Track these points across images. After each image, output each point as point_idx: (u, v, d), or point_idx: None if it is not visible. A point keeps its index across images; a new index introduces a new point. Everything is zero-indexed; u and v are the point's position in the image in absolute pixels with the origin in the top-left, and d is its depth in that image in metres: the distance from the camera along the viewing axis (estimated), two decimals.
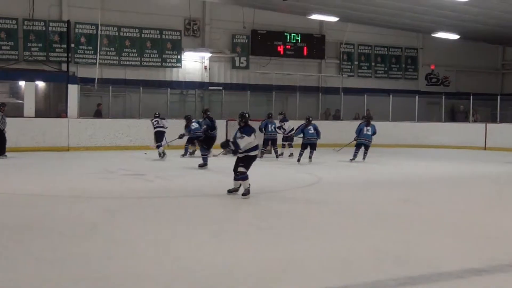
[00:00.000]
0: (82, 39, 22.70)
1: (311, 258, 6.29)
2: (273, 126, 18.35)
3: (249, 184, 9.94)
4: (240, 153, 9.97)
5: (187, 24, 24.67)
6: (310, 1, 22.14)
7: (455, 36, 27.37)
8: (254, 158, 10.21)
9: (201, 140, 15.52)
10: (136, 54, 23.66)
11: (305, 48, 26.72)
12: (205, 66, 25.13)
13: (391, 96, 25.48)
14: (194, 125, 17.07)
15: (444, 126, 25.17)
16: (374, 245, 6.91)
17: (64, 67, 21.86)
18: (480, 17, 22.76)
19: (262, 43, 25.87)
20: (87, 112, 21.42)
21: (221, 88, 24.38)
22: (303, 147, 17.09)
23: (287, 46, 26.37)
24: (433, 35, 27.62)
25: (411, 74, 29.70)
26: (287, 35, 26.28)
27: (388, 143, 23.82)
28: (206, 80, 25.15)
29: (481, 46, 30.24)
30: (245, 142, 9.92)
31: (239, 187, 10.13)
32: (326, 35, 27.14)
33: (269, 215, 8.75)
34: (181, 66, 24.58)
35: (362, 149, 17.58)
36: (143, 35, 23.74)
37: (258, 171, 14.90)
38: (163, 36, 24.09)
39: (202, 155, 14.92)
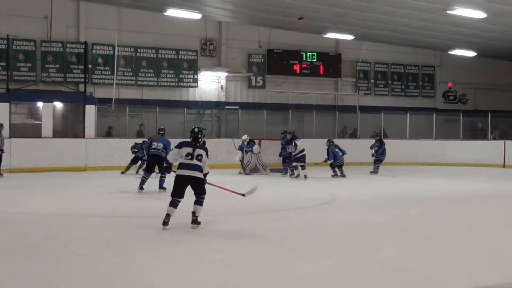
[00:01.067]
0: (99, 60, 22.90)
1: (323, 276, 6.24)
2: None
3: (168, 215, 8.69)
4: None
5: (203, 44, 24.81)
6: (325, 19, 22.18)
7: (472, 53, 27.28)
8: (179, 178, 8.87)
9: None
10: (153, 74, 23.80)
11: (321, 66, 26.71)
12: (221, 85, 25.21)
13: (408, 114, 25.37)
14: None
15: (462, 143, 24.95)
16: (387, 262, 6.85)
17: (81, 87, 22.01)
18: (496, 34, 22.69)
19: (278, 62, 25.90)
20: (104, 132, 21.63)
21: (237, 107, 24.41)
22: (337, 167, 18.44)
23: (303, 65, 26.37)
24: (450, 52, 27.56)
25: (428, 92, 29.56)
26: (303, 54, 26.29)
27: (405, 161, 23.78)
28: (223, 99, 25.22)
29: (498, 63, 30.06)
30: (170, 157, 9.23)
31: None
32: (342, 53, 27.13)
33: (281, 233, 8.70)
34: (197, 86, 24.66)
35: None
36: (159, 55, 23.89)
37: (272, 190, 14.91)
38: (180, 56, 24.23)
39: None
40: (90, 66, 22.62)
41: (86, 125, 20.52)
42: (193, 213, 8.87)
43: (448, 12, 18.88)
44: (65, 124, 22.60)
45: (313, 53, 26.44)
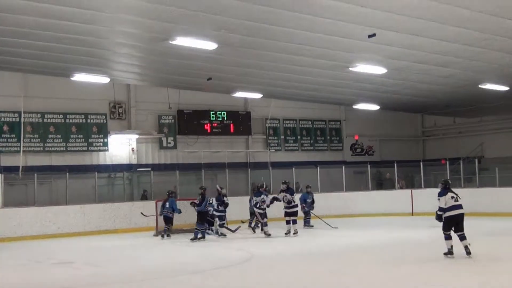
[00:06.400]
0: (5, 127, 22.24)
1: None
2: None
3: (451, 247, 11.36)
4: None
5: (112, 107, 24.62)
6: (233, 79, 22.54)
7: (375, 107, 28.35)
8: (455, 217, 11.46)
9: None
10: (61, 140, 23.31)
11: (231, 125, 27.00)
12: (132, 148, 24.96)
13: (318, 167, 25.88)
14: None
15: (371, 194, 25.63)
16: None
17: None
18: (396, 88, 23.67)
19: (189, 122, 26.00)
20: (12, 201, 20.83)
21: (149, 169, 24.18)
22: None
23: (213, 124, 26.58)
24: (354, 106, 28.52)
25: (336, 145, 30.41)
26: (213, 113, 26.55)
27: (319, 214, 24.02)
28: (134, 161, 24.96)
29: (401, 115, 31.46)
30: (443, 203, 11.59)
31: None
32: (251, 111, 27.60)
33: None
34: (108, 149, 24.34)
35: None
36: (67, 120, 23.47)
37: (187, 250, 14.82)
38: (89, 120, 23.91)
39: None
40: None
41: None
42: (466, 247, 11.14)
43: (350, 69, 19.60)
44: None
45: (223, 112, 26.74)
